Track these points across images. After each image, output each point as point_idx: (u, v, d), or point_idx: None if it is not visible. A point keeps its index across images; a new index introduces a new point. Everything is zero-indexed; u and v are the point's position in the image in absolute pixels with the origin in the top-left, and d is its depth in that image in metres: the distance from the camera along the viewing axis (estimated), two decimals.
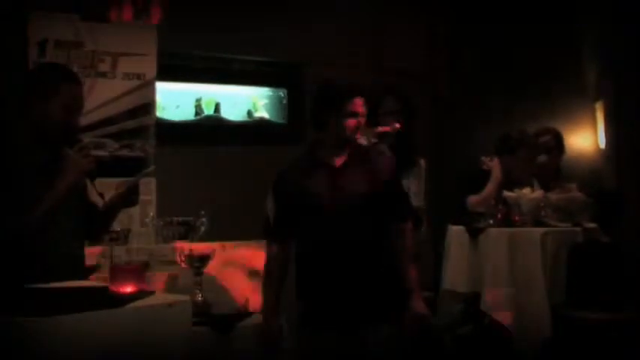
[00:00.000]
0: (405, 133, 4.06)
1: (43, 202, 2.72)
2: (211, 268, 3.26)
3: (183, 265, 3.28)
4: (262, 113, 6.12)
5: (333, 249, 3.10)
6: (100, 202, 3.00)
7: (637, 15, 5.35)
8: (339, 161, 3.17)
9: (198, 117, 5.83)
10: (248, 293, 3.28)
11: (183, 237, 3.61)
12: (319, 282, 3.14)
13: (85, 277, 2.89)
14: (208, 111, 5.87)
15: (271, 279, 3.18)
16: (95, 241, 3.22)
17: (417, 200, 4.10)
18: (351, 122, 3.13)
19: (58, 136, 2.86)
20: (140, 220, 4.33)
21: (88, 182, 2.92)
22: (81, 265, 2.97)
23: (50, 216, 2.75)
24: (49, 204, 2.73)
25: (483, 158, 4.67)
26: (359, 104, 3.13)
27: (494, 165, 4.59)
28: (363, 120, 3.17)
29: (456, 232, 4.53)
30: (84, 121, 4.60)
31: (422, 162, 4.35)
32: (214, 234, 3.38)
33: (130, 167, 3.33)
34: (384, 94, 4.18)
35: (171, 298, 2.21)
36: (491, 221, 4.28)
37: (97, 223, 3.09)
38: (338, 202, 3.11)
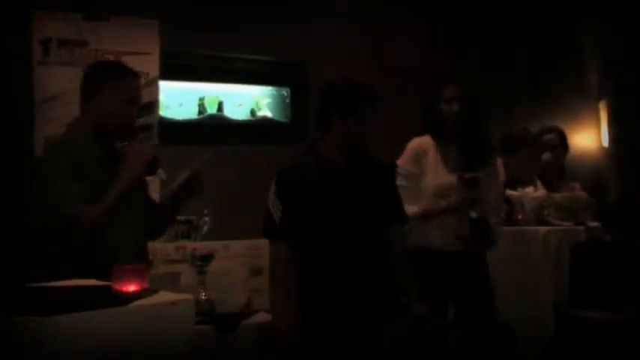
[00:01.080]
0: (468, 123, 3.71)
1: (106, 196, 2.76)
2: (214, 266, 3.26)
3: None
4: (265, 112, 6.13)
5: (334, 249, 3.10)
6: (157, 194, 3.01)
7: (637, 15, 5.35)
8: (340, 162, 3.17)
9: (201, 116, 5.84)
10: (251, 292, 3.29)
11: (186, 236, 3.62)
12: (320, 283, 3.14)
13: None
14: (211, 110, 5.89)
15: (278, 278, 3.18)
16: (159, 236, 3.22)
17: (491, 212, 3.69)
18: (362, 128, 3.13)
19: (118, 130, 2.90)
20: None
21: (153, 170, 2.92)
22: (142, 260, 2.97)
23: (113, 210, 2.77)
24: (112, 197, 2.76)
25: None
26: (371, 112, 3.11)
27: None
28: (371, 125, 3.15)
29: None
30: None
31: (497, 161, 3.92)
32: (217, 233, 3.39)
33: None
34: (442, 82, 3.86)
35: (174, 296, 2.20)
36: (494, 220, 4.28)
37: (160, 218, 3.10)
38: (341, 202, 3.11)
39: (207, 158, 3.04)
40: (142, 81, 3.07)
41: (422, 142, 3.77)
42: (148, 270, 2.32)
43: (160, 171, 2.90)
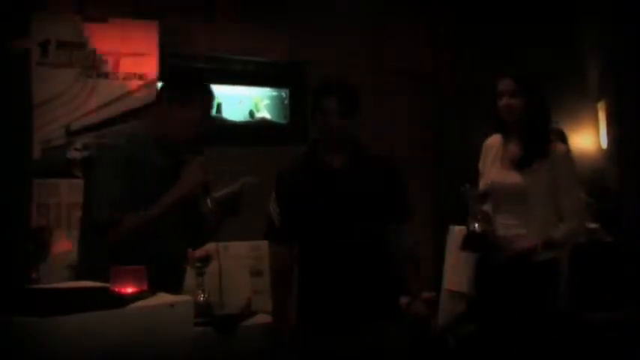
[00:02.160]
0: (526, 115, 3.43)
1: (157, 205, 2.78)
2: (213, 268, 3.26)
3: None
4: (264, 113, 6.12)
5: (333, 250, 3.10)
6: (209, 215, 3.00)
7: (637, 15, 5.35)
8: (339, 162, 3.16)
9: None
10: (250, 293, 3.28)
11: None
12: (320, 283, 3.15)
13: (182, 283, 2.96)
14: None
15: (278, 279, 3.19)
16: (199, 247, 3.25)
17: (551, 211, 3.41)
18: (325, 120, 3.12)
19: (181, 144, 2.91)
20: None
21: (203, 195, 2.92)
22: (181, 270, 3.01)
23: (163, 220, 2.80)
24: (159, 209, 2.78)
25: None
26: (330, 103, 3.07)
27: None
28: (337, 119, 3.07)
29: (457, 232, 4.51)
30: (85, 121, 4.64)
31: (560, 148, 3.54)
32: (216, 234, 3.38)
33: None
34: (499, 77, 3.52)
35: (173, 298, 2.21)
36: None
37: (204, 232, 3.10)
38: (338, 204, 3.10)
39: (250, 181, 3.04)
40: (214, 97, 3.08)
41: (491, 139, 3.61)
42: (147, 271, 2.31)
43: (208, 200, 2.89)
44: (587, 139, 6.18)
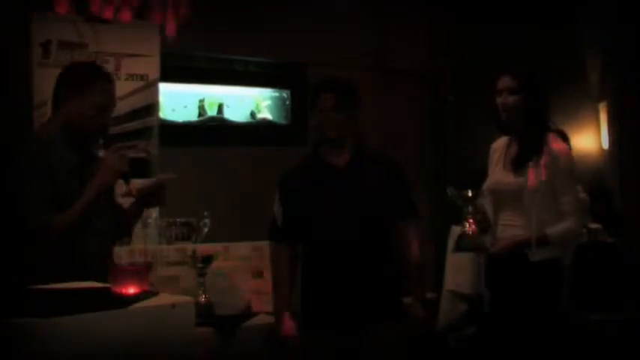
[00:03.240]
0: (524, 113, 3.37)
1: (76, 204, 2.74)
2: (214, 268, 3.26)
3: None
4: (265, 114, 6.13)
5: (335, 250, 3.10)
6: (127, 202, 3.00)
7: (637, 15, 5.36)
8: (342, 162, 3.16)
9: (201, 118, 5.84)
10: (251, 294, 3.29)
11: (187, 238, 3.61)
12: (321, 282, 3.15)
13: None
14: (211, 112, 5.88)
15: (280, 279, 3.20)
16: (121, 241, 3.23)
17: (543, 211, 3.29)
18: (319, 118, 3.13)
19: (90, 135, 2.88)
20: (143, 221, 4.33)
21: (121, 182, 2.90)
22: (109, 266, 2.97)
23: (83, 217, 2.77)
24: (81, 206, 2.75)
25: None
26: (326, 99, 3.10)
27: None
28: (333, 115, 3.11)
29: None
30: None
31: (558, 147, 3.40)
32: (217, 235, 3.38)
33: (133, 168, 3.33)
34: (499, 74, 3.45)
35: (174, 299, 2.21)
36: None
37: (124, 224, 3.08)
38: (340, 202, 3.11)
39: (165, 176, 3.05)
40: (115, 84, 3.03)
41: (497, 142, 3.54)
42: (149, 272, 2.31)
43: (129, 184, 2.88)
44: (589, 139, 6.19)
